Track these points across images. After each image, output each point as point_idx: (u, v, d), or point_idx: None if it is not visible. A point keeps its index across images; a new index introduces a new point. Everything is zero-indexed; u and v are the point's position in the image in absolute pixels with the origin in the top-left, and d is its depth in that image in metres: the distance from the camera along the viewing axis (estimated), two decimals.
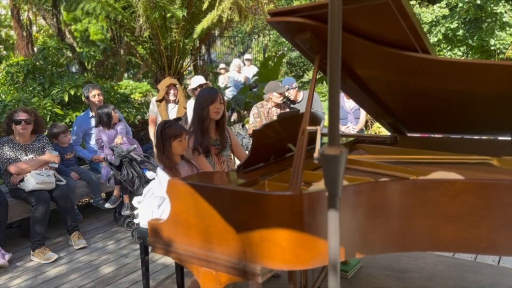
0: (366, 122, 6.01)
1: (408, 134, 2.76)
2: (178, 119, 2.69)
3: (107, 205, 4.14)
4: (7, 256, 3.44)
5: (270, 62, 8.66)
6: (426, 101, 2.27)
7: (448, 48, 7.28)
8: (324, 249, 1.65)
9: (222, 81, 9.21)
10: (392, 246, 1.71)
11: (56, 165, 3.85)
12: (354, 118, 5.49)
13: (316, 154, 1.19)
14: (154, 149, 4.48)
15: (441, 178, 1.84)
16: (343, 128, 5.46)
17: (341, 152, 1.17)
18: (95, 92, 4.57)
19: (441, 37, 7.08)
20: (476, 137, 2.49)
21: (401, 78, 2.04)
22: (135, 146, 3.98)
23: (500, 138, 2.44)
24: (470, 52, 7.23)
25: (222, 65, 9.93)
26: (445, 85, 1.97)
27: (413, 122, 2.64)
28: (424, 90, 2.12)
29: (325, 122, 6.11)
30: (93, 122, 4.60)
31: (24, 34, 7.23)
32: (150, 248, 2.45)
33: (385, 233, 1.71)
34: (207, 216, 1.83)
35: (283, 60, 8.94)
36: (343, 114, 5.57)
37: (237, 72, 9.01)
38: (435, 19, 7.14)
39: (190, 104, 5.01)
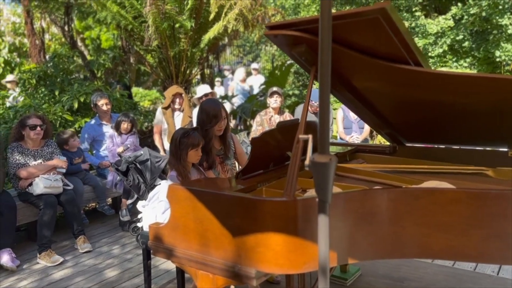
0: (371, 131, 6.04)
1: (407, 144, 2.81)
2: (195, 128, 2.76)
3: (126, 218, 4.25)
4: (16, 262, 3.53)
5: (277, 71, 8.76)
6: (422, 112, 2.32)
7: (454, 59, 7.31)
8: (317, 254, 1.71)
9: (223, 84, 9.34)
10: (383, 253, 1.76)
11: (64, 170, 3.95)
12: (359, 128, 5.53)
13: (307, 162, 1.26)
14: (162, 153, 4.62)
15: (432, 187, 1.89)
16: (347, 138, 5.50)
17: (331, 159, 1.23)
18: (103, 101, 4.70)
19: (446, 48, 7.12)
20: (472, 147, 2.53)
21: (396, 89, 2.10)
22: (142, 152, 4.07)
23: (496, 149, 2.48)
24: (476, 64, 7.25)
25: (226, 67, 10.06)
26: (439, 97, 2.02)
27: (412, 133, 2.69)
28: (419, 102, 2.17)
29: (333, 132, 6.18)
30: (103, 128, 4.72)
31: (37, 42, 7.42)
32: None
33: (376, 239, 1.75)
34: (205, 221, 1.89)
35: (291, 69, 9.03)
36: (347, 124, 5.62)
37: (242, 82, 9.14)
38: (440, 31, 7.18)
39: (195, 112, 5.12)
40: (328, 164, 1.22)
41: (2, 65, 9.04)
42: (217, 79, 10.05)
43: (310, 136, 1.60)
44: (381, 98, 2.33)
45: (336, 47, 1.77)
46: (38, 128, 3.80)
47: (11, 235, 3.61)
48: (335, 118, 5.96)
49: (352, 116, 5.45)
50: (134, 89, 9.29)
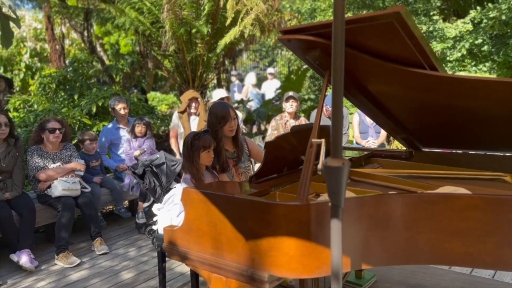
0: (388, 136, 5.98)
1: (424, 149, 2.77)
2: (207, 131, 2.80)
3: (142, 221, 4.31)
4: (35, 263, 3.59)
5: (293, 76, 8.78)
6: (439, 117, 2.29)
7: (473, 63, 7.19)
8: (330, 258, 1.70)
9: (235, 89, 9.40)
10: (398, 258, 1.74)
11: (82, 173, 4.02)
12: (375, 132, 5.48)
13: (319, 166, 1.26)
14: (178, 156, 4.67)
15: (448, 192, 1.86)
16: (363, 142, 5.46)
17: (343, 164, 1.23)
18: (121, 105, 4.77)
19: (465, 52, 7.01)
20: (490, 153, 2.48)
21: (412, 94, 2.08)
22: (158, 156, 4.12)
23: None
24: (496, 68, 7.11)
25: (233, 72, 10.11)
26: (456, 101, 2.00)
27: (428, 137, 2.66)
28: (436, 106, 2.15)
29: (349, 136, 6.15)
30: (120, 132, 4.79)
31: (57, 47, 7.60)
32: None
33: (390, 245, 1.74)
34: (218, 224, 1.90)
35: (307, 74, 9.03)
36: (363, 128, 5.58)
37: (253, 87, 9.18)
38: (459, 34, 7.08)
39: None
40: (341, 168, 1.22)
41: (24, 69, 9.28)
42: (233, 72, 10.09)
43: (323, 140, 1.61)
44: (396, 103, 2.31)
45: (350, 51, 1.77)
46: (57, 132, 3.88)
47: (30, 236, 3.69)
48: (351, 123, 5.93)
49: (369, 120, 5.41)
50: (152, 94, 9.43)
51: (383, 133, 5.39)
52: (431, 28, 7.35)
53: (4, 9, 3.46)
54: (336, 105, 1.24)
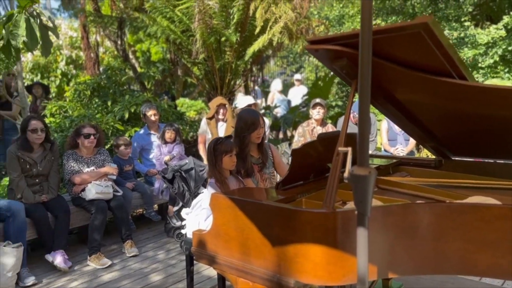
0: (418, 144, 5.88)
1: (453, 158, 2.73)
2: (229, 136, 2.87)
3: (178, 224, 4.41)
4: (68, 263, 3.73)
5: (320, 82, 8.76)
6: (469, 126, 2.27)
7: (506, 70, 6.98)
8: (356, 266, 1.71)
9: (269, 98, 9.44)
10: (425, 268, 1.73)
11: (114, 177, 4.16)
12: (404, 140, 5.42)
13: (346, 174, 1.28)
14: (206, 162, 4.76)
15: (477, 202, 1.84)
16: (391, 150, 5.40)
17: (370, 172, 1.25)
18: (152, 112, 4.91)
19: (497, 59, 6.82)
20: None
21: (441, 103, 2.07)
22: (187, 161, 4.21)
23: None
24: None
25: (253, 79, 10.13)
26: (486, 110, 1.97)
27: (458, 146, 2.62)
28: (465, 115, 2.13)
29: (377, 143, 6.09)
30: (151, 138, 4.93)
31: (92, 55, 7.89)
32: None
33: (418, 254, 1.73)
34: (246, 230, 1.94)
35: (334, 80, 8.99)
36: (392, 136, 5.52)
37: (279, 93, 9.21)
38: (491, 41, 6.91)
39: None
40: (367, 177, 1.24)
41: (60, 76, 9.65)
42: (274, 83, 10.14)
43: (349, 149, 1.62)
44: (425, 111, 2.30)
45: (377, 60, 1.78)
46: (92, 137, 4.04)
47: (65, 238, 3.83)
48: (379, 130, 5.87)
49: (397, 127, 5.35)
50: (181, 100, 9.60)
51: (412, 141, 5.32)
52: (462, 35, 7.20)
53: (44, 20, 3.64)
54: (363, 114, 1.26)
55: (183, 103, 9.22)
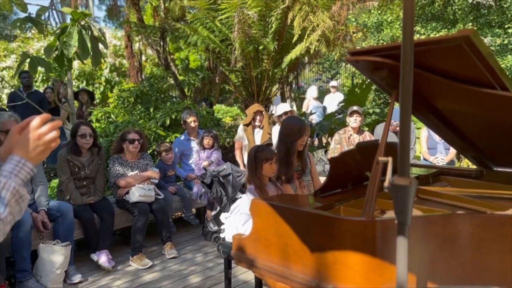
0: (458, 153, 5.74)
1: (495, 169, 2.69)
2: (269, 144, 2.96)
3: (215, 228, 4.53)
4: (112, 263, 3.90)
5: (357, 89, 8.69)
6: (511, 136, 2.23)
7: None
8: (395, 275, 1.73)
9: (304, 105, 9.45)
10: (465, 279, 1.73)
11: (156, 181, 4.32)
12: (444, 149, 5.31)
13: (386, 184, 1.32)
14: (242, 168, 4.86)
15: None
16: (431, 159, 5.30)
17: (411, 182, 1.28)
18: (192, 118, 5.07)
19: None
20: None
21: (483, 113, 2.06)
22: (225, 167, 4.32)
23: None
24: None
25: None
26: None
27: (500, 157, 2.58)
28: (507, 125, 2.10)
29: (416, 152, 5.99)
30: (190, 143, 5.08)
31: (135, 63, 8.22)
32: (233, 263, 2.68)
33: (458, 265, 1.74)
34: (285, 235, 2.00)
35: (371, 87, 8.91)
36: (432, 144, 5.42)
37: (314, 100, 9.19)
38: None
39: (275, 130, 5.30)
40: (408, 187, 1.27)
41: (104, 83, 10.08)
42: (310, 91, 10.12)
43: (390, 159, 1.65)
44: (466, 121, 2.29)
45: (419, 71, 1.80)
46: (136, 142, 4.22)
47: (109, 238, 4.00)
48: (418, 138, 5.78)
49: (438, 136, 5.25)
50: (217, 106, 9.81)
51: (453, 150, 5.20)
52: (505, 41, 6.98)
53: (94, 32, 3.86)
54: (404, 124, 1.30)
55: (219, 109, 9.42)
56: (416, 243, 1.67)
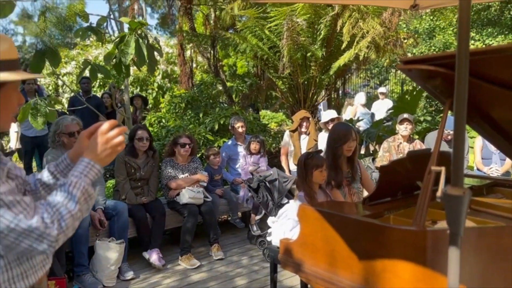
0: None
1: None
2: (319, 151, 2.99)
3: (257, 232, 4.60)
4: (162, 262, 4.06)
5: (407, 96, 8.47)
6: None
7: None
8: (446, 286, 1.71)
9: (349, 112, 9.32)
10: None
11: (205, 184, 4.47)
12: (500, 159, 5.08)
13: (438, 193, 1.32)
14: (287, 173, 4.91)
15: None
16: (485, 169, 5.10)
17: (464, 193, 1.28)
18: (239, 124, 5.18)
19: None
20: None
21: None
22: (271, 172, 4.38)
23: None
24: None
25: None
26: None
27: None
28: None
29: (469, 162, 5.76)
30: (237, 148, 5.19)
31: (187, 70, 8.50)
32: (278, 267, 2.72)
33: (511, 278, 1.68)
34: (332, 241, 2.03)
35: (422, 94, 8.65)
36: (487, 154, 5.21)
37: (362, 106, 9.04)
38: None
39: (321, 136, 5.31)
40: (462, 197, 1.26)
41: (156, 89, 10.49)
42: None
43: (443, 168, 1.64)
44: None
45: (474, 80, 1.78)
46: (187, 146, 4.39)
47: (160, 237, 4.17)
48: (471, 147, 5.56)
49: (493, 146, 5.04)
50: (263, 112, 9.91)
51: (509, 161, 4.97)
52: None
53: (151, 41, 4.07)
54: (459, 133, 1.30)
55: (264, 115, 9.51)
56: (468, 254, 1.65)
